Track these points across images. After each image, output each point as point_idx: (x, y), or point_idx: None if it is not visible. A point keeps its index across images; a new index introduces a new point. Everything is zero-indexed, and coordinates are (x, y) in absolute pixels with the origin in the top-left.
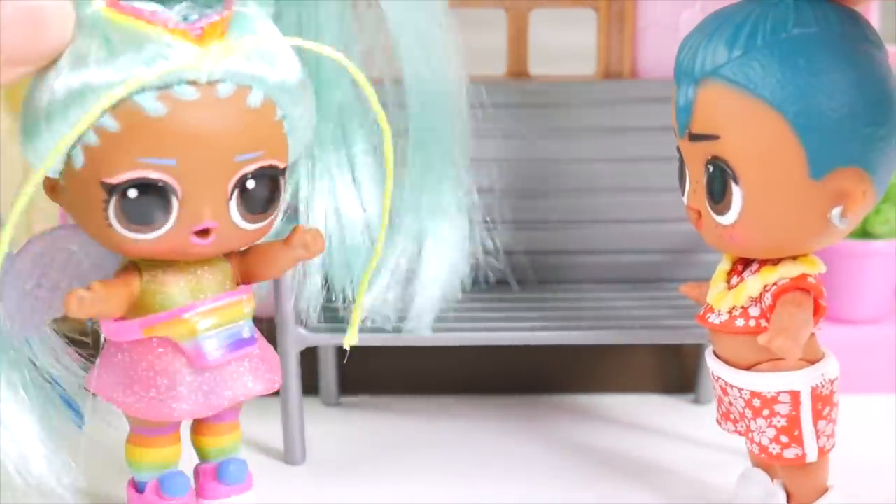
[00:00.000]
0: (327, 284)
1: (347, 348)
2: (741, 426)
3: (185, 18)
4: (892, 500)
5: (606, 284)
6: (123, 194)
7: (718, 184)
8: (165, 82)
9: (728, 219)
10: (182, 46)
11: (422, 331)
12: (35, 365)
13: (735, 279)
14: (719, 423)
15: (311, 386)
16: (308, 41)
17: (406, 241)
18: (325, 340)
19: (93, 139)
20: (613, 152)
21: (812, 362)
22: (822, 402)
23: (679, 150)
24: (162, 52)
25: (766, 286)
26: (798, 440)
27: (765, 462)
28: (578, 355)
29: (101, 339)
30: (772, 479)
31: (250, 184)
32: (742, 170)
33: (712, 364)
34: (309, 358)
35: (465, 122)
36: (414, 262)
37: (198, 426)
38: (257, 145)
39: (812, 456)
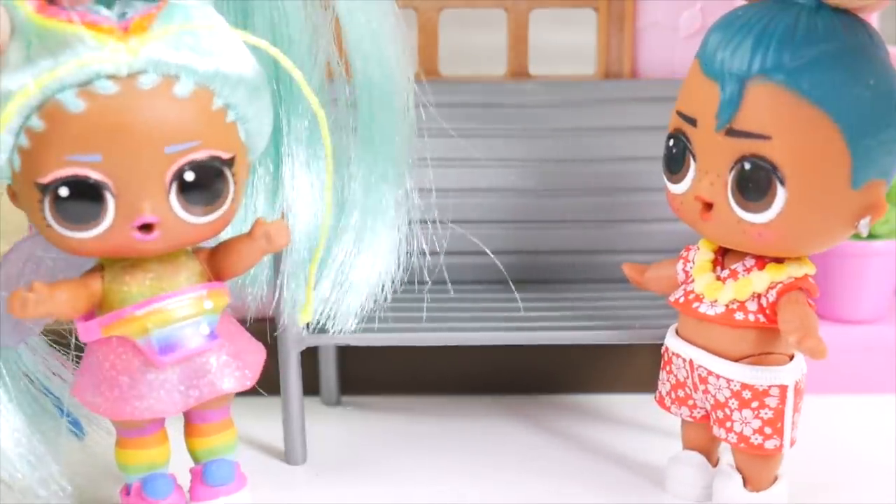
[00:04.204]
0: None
1: (304, 326)
2: (698, 413)
3: (123, 15)
4: (893, 500)
5: (607, 284)
6: (55, 194)
7: (758, 183)
8: (80, 79)
9: (762, 218)
10: (96, 42)
11: (348, 330)
12: (25, 373)
13: (722, 271)
14: (667, 407)
15: (311, 386)
16: (272, 42)
17: (351, 237)
18: (325, 340)
19: (24, 141)
20: (613, 152)
21: (791, 357)
22: (799, 395)
23: (681, 136)
24: (74, 49)
25: (772, 283)
26: (780, 432)
27: (745, 452)
28: (578, 355)
29: None
30: (710, 462)
31: (189, 176)
32: (790, 172)
33: (692, 352)
34: (309, 358)
35: (411, 123)
36: (350, 260)
37: (187, 428)
38: (190, 136)
39: (787, 446)
